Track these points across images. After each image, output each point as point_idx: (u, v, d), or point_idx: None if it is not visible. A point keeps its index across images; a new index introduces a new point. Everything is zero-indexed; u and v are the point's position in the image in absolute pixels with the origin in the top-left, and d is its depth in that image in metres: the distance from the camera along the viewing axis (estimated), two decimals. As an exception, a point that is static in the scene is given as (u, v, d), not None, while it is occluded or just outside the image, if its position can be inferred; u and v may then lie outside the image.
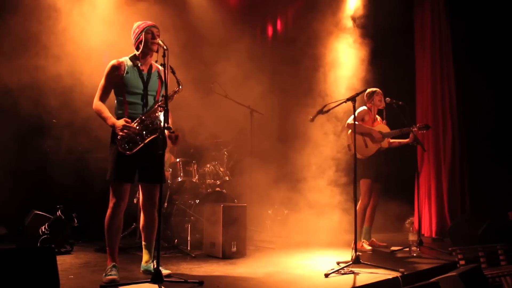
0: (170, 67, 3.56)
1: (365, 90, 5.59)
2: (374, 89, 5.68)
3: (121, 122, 3.55)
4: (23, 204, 5.30)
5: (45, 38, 5.11)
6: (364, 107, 5.60)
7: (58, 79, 5.17)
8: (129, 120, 3.58)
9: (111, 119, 3.62)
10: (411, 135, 5.59)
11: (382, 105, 5.66)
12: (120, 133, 3.51)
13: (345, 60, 7.11)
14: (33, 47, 5.10)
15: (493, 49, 6.78)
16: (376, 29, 7.10)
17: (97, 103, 3.69)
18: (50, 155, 5.72)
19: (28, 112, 5.26)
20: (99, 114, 3.67)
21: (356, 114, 4.68)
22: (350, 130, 5.45)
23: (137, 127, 3.57)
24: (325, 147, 6.77)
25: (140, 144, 3.57)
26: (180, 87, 3.73)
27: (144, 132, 3.58)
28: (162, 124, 3.49)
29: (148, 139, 3.59)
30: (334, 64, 7.05)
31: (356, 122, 4.88)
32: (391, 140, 5.69)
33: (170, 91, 3.69)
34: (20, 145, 5.39)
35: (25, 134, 5.40)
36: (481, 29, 6.82)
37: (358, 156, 5.45)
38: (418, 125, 5.65)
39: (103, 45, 5.26)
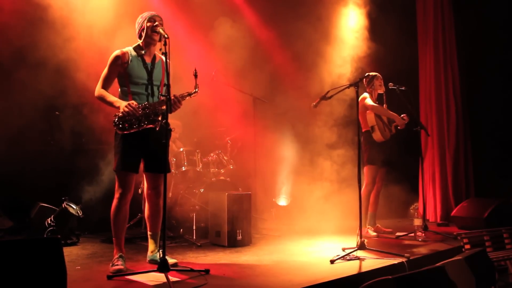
0: (195, 70, 3.57)
1: (367, 75, 5.57)
2: (373, 73, 5.65)
3: (128, 102, 3.56)
4: (28, 197, 5.33)
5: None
6: (366, 94, 5.58)
7: (63, 70, 5.17)
8: (136, 103, 3.57)
9: (118, 101, 3.61)
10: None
11: (382, 89, 5.65)
12: (125, 109, 3.50)
13: (346, 44, 7.06)
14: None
15: (497, 32, 6.72)
16: (377, 13, 7.04)
17: (99, 90, 3.68)
18: (54, 147, 5.73)
19: (29, 107, 5.25)
20: (103, 100, 3.66)
21: (360, 99, 4.69)
22: (371, 113, 5.47)
23: (140, 112, 3.57)
24: (329, 134, 6.75)
25: (135, 128, 3.56)
26: (197, 90, 3.66)
27: (143, 119, 3.56)
28: (164, 116, 3.46)
29: (142, 127, 3.57)
30: (333, 49, 7.00)
31: (367, 106, 4.85)
32: None
33: (184, 92, 3.68)
34: (22, 139, 5.39)
35: (27, 128, 5.39)
36: (485, 12, 6.75)
37: (378, 139, 5.45)
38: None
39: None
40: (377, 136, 5.46)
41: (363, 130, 5.56)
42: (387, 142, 5.51)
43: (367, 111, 5.48)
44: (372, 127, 5.48)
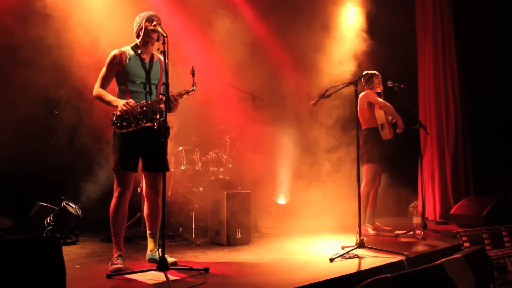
0: (192, 68, 3.57)
1: (366, 73, 5.57)
2: (372, 71, 5.65)
3: (126, 101, 3.56)
4: (27, 196, 5.32)
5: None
6: (369, 91, 5.58)
7: (63, 68, 5.16)
8: (134, 102, 3.57)
9: (116, 100, 3.61)
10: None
11: (380, 88, 5.65)
12: (123, 107, 3.50)
13: (345, 42, 7.06)
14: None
15: (497, 31, 6.72)
16: (376, 11, 7.03)
17: (98, 90, 3.68)
18: (53, 146, 5.73)
19: (27, 106, 5.25)
20: (101, 99, 3.66)
21: (360, 97, 4.68)
22: (380, 110, 5.47)
23: (138, 110, 3.56)
24: (328, 133, 6.75)
25: (133, 127, 3.56)
26: (194, 88, 3.67)
27: (140, 117, 3.56)
28: (162, 114, 3.46)
29: (141, 126, 3.57)
30: (333, 48, 7.00)
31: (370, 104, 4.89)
32: None
33: (181, 90, 3.69)
34: (22, 138, 5.38)
35: (27, 126, 5.38)
36: (484, 10, 6.74)
37: (386, 137, 5.46)
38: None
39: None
40: (385, 133, 5.45)
41: (364, 128, 5.56)
42: (389, 140, 5.51)
43: (376, 108, 5.48)
44: (382, 125, 5.47)
